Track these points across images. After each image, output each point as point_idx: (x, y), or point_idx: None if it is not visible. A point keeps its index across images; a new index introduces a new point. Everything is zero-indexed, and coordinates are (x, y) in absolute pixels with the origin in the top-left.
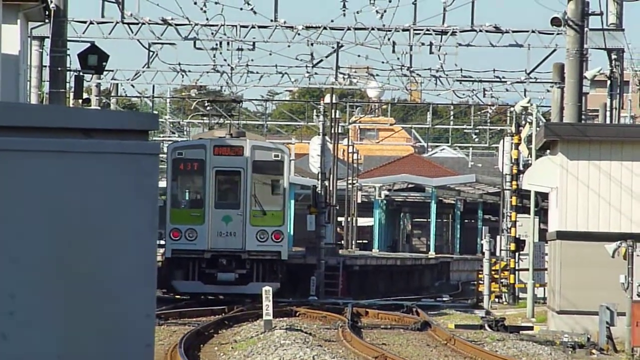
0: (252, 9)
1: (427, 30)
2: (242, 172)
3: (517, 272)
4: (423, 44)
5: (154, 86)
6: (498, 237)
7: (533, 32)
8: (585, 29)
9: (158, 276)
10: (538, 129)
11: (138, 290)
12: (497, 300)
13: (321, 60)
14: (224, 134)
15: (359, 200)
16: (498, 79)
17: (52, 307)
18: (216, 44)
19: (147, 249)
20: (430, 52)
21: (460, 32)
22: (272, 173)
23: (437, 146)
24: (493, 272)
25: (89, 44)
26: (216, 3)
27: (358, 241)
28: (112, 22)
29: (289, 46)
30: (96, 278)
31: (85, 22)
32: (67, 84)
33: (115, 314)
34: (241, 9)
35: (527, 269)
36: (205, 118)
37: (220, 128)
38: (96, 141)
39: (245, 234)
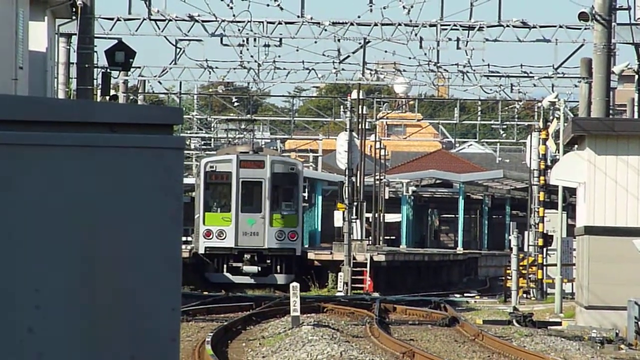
0: (278, 4)
1: (454, 25)
2: (263, 182)
3: (545, 268)
4: (450, 39)
5: (181, 83)
6: (526, 232)
7: (560, 27)
8: (613, 23)
9: (186, 273)
10: (566, 124)
11: (163, 284)
12: (525, 295)
13: (348, 56)
14: (247, 149)
15: (387, 196)
16: (525, 74)
17: (77, 302)
18: (243, 41)
19: (171, 242)
20: (458, 48)
21: (488, 27)
22: (288, 183)
23: (464, 142)
24: (521, 268)
25: (116, 41)
26: None
27: (386, 237)
28: (139, 19)
29: (315, 42)
30: (120, 272)
31: (112, 19)
32: (95, 81)
33: (140, 307)
34: (268, 5)
35: (555, 265)
36: (231, 114)
37: (243, 144)
38: (120, 135)
39: (265, 234)
